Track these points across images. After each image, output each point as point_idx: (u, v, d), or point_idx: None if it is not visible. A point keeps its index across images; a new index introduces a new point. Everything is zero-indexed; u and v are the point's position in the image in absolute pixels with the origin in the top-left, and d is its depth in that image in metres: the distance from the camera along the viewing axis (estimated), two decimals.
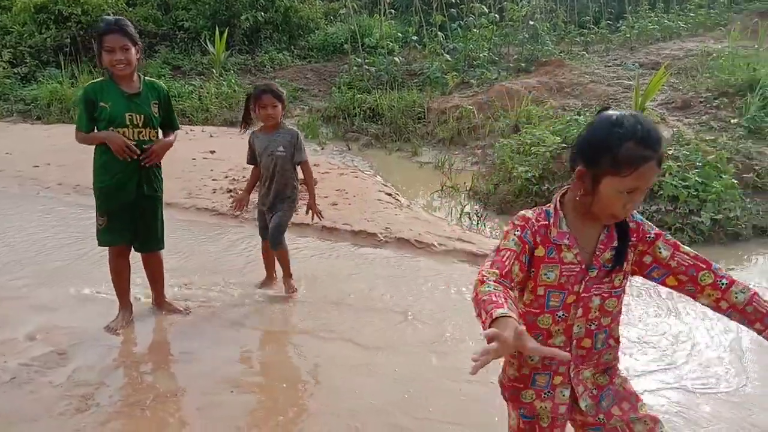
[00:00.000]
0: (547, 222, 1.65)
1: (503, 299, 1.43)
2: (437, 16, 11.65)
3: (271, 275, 4.33)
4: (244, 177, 6.99)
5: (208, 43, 13.36)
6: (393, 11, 14.03)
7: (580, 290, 1.67)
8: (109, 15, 4.38)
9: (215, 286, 4.30)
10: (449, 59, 11.40)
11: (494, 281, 1.50)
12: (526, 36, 11.80)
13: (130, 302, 3.81)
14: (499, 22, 12.10)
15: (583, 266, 1.66)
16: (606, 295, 1.71)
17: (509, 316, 1.36)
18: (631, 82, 8.92)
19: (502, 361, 1.84)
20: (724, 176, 5.55)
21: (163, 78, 11.65)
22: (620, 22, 13.77)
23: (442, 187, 6.77)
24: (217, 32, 12.71)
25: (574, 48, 12.39)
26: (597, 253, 1.66)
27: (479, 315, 1.45)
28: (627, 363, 3.48)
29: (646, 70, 9.84)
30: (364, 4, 15.51)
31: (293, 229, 5.24)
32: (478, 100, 9.37)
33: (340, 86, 11.35)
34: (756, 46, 10.42)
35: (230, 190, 6.47)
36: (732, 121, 7.36)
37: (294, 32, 15.08)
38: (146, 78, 3.59)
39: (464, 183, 6.84)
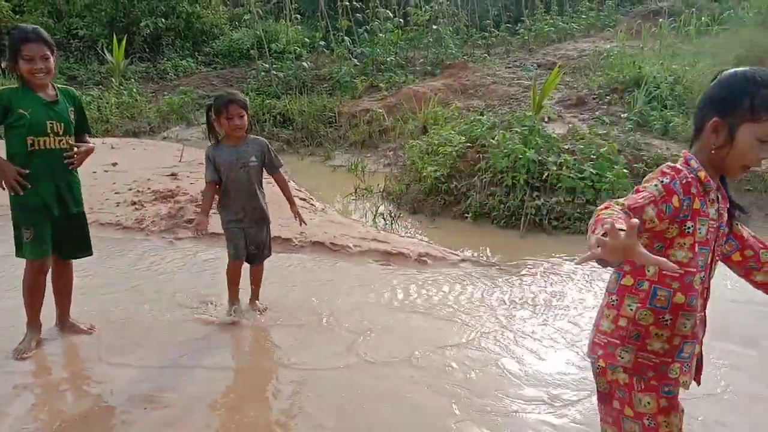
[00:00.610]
0: (693, 176, 1.59)
1: (621, 217, 1.39)
2: (343, 21, 11.74)
3: (235, 295, 4.00)
4: (149, 188, 6.76)
5: (105, 51, 12.79)
6: (299, 16, 13.99)
7: (715, 248, 1.66)
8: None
9: (122, 302, 4.14)
10: (357, 63, 11.52)
11: (620, 209, 1.45)
12: (431, 40, 12.12)
13: (40, 322, 3.60)
14: (404, 26, 12.36)
15: (718, 223, 1.63)
16: (717, 257, 1.71)
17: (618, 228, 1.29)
18: (530, 82, 9.37)
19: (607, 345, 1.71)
20: (616, 167, 5.96)
21: None
22: (518, 25, 14.44)
23: (356, 190, 6.84)
24: (114, 40, 12.19)
25: (476, 51, 12.87)
26: (722, 212, 1.65)
27: (593, 231, 1.37)
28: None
29: (544, 71, 10.37)
30: (269, 10, 15.37)
31: (205, 239, 5.13)
32: (388, 103, 9.54)
33: (248, 92, 11.19)
34: (641, 46, 11.24)
35: (134, 203, 6.23)
36: (622, 115, 7.91)
37: (197, 38, 14.73)
38: (58, 85, 3.46)
39: (377, 185, 6.95)
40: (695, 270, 1.61)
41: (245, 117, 3.67)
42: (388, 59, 11.52)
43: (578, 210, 5.71)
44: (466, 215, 6.02)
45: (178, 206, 5.99)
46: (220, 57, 14.41)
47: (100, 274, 4.62)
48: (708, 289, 1.70)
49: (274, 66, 11.60)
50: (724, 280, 3.89)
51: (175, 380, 3.32)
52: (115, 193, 6.61)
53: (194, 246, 5.21)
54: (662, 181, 1.55)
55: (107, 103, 10.88)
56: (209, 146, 3.84)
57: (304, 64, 11.57)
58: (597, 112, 8.21)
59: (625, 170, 6.01)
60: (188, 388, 3.21)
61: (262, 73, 11.69)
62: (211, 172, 3.72)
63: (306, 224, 4.09)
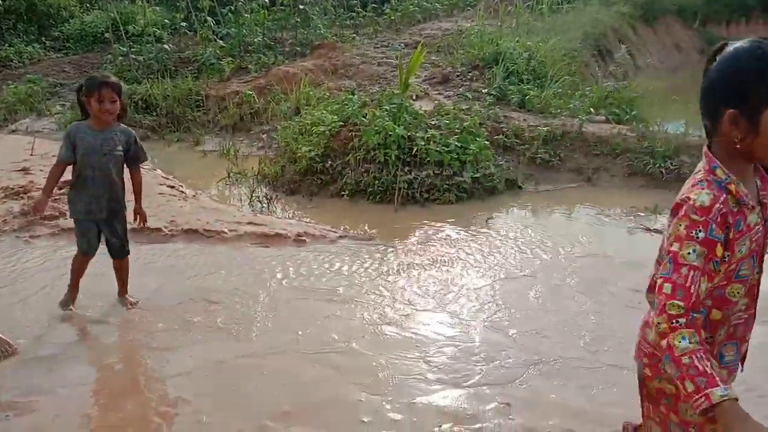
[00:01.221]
0: (724, 195, 1.44)
1: (708, 364, 1.32)
2: (205, 1, 11.28)
3: (77, 288, 3.79)
4: None
5: None
6: None
7: (764, 245, 1.57)
8: None
9: None
10: (224, 45, 11.16)
11: (687, 328, 1.35)
12: (298, 20, 12.00)
13: None
14: (270, 6, 12.12)
15: (764, 222, 1.53)
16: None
17: (732, 398, 1.28)
18: (398, 62, 9.60)
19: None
20: (478, 139, 6.32)
21: None
22: (385, 5, 14.67)
23: (229, 174, 6.70)
24: None
25: (345, 31, 12.91)
26: (765, 201, 1.54)
27: (682, 380, 1.33)
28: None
29: (411, 50, 10.63)
30: None
31: (64, 235, 4.82)
32: (258, 85, 9.36)
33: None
34: (499, 24, 11.87)
35: None
36: (483, 90, 8.35)
37: (43, 22, 13.50)
38: None
39: (252, 168, 6.84)
40: (725, 283, 1.53)
41: (117, 102, 3.47)
42: (255, 40, 11.26)
43: (447, 181, 5.99)
44: (343, 193, 6.11)
45: (33, 202, 5.53)
46: (71, 42, 13.30)
47: None
48: (757, 284, 1.61)
49: (132, 49, 10.94)
50: None
51: (42, 383, 3.12)
52: None
53: (53, 243, 4.86)
54: (697, 237, 1.41)
55: None
56: (73, 123, 3.61)
57: (166, 46, 11.01)
58: (461, 89, 8.60)
59: (486, 142, 6.39)
60: (58, 390, 3.04)
61: (120, 58, 10.98)
62: (66, 152, 3.47)
63: (146, 224, 3.94)
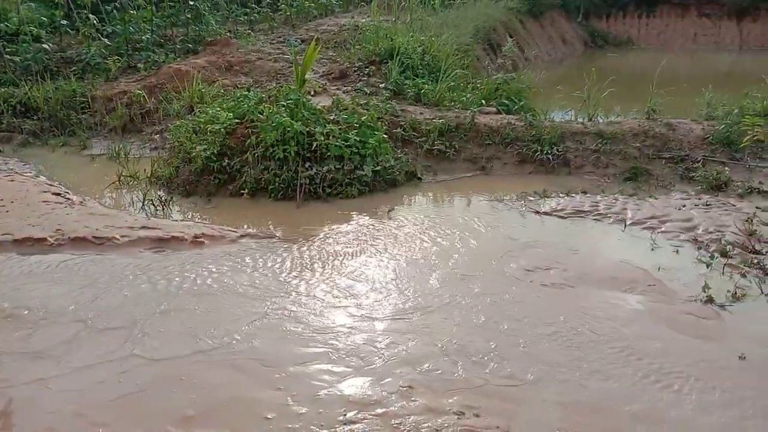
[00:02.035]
0: None
1: None
2: None
3: None
4: None
5: None
6: None
7: None
8: None
9: None
10: (109, 43, 10.57)
11: None
12: (189, 16, 11.60)
13: None
14: (158, 2, 11.63)
15: None
16: None
17: None
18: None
19: None
20: (377, 133, 6.41)
21: None
22: (280, 1, 14.49)
23: (120, 178, 6.38)
24: None
25: (240, 27, 12.64)
26: None
27: None
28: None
29: (307, 45, 10.56)
30: None
31: None
32: (148, 84, 8.97)
33: None
34: (393, 20, 12.04)
35: None
36: (380, 85, 8.46)
37: None
38: None
39: (144, 170, 6.56)
40: None
41: None
42: (143, 38, 10.77)
43: (348, 176, 6.04)
44: (243, 192, 6.00)
45: None
46: None
47: None
48: None
49: (7, 50, 10.12)
50: None
51: None
52: None
53: None
54: None
55: None
56: None
57: (45, 46, 10.27)
58: (358, 84, 8.66)
59: (385, 136, 6.50)
60: None
61: None
62: None
63: None
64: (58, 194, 5.82)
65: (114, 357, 3.28)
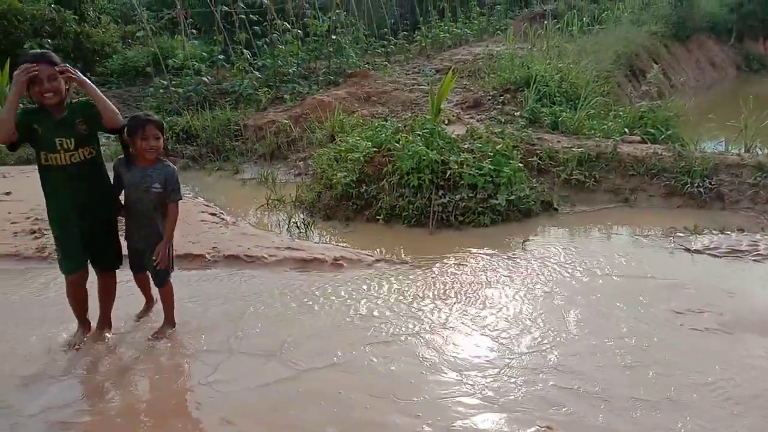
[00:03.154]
0: None
1: None
2: (241, 35, 11.66)
3: (151, 297, 4.22)
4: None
5: None
6: (195, 31, 13.75)
7: None
8: None
9: (36, 331, 3.97)
10: (260, 76, 11.48)
11: None
12: (331, 50, 12.29)
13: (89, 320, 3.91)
14: (304, 37, 12.45)
15: None
16: None
17: None
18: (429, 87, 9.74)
19: None
20: (512, 161, 6.35)
21: None
22: (415, 32, 14.93)
23: (268, 201, 6.85)
24: None
25: (377, 59, 13.17)
26: None
27: None
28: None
29: (442, 75, 10.77)
30: (164, 25, 14.99)
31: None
32: (294, 114, 9.59)
33: (147, 111, 10.86)
34: (529, 47, 11.94)
35: (33, 232, 5.94)
36: (515, 114, 8.39)
37: (89, 58, 14.10)
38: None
39: (289, 195, 6.99)
40: None
41: (161, 139, 3.66)
42: (290, 70, 11.56)
43: (481, 204, 6.03)
44: (378, 217, 6.20)
45: None
46: (114, 76, 13.91)
47: (5, 307, 4.40)
48: None
49: (173, 82, 11.34)
50: None
51: (94, 401, 3.25)
52: (12, 223, 6.26)
53: None
54: None
55: None
56: (116, 159, 3.81)
57: (205, 79, 11.38)
58: (492, 112, 8.66)
59: (520, 164, 6.42)
60: (110, 411, 3.16)
61: (161, 90, 11.39)
62: (116, 184, 3.78)
63: (164, 266, 3.79)
64: (214, 215, 6.37)
65: (263, 369, 3.49)
